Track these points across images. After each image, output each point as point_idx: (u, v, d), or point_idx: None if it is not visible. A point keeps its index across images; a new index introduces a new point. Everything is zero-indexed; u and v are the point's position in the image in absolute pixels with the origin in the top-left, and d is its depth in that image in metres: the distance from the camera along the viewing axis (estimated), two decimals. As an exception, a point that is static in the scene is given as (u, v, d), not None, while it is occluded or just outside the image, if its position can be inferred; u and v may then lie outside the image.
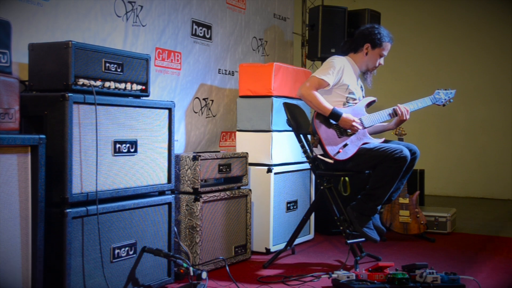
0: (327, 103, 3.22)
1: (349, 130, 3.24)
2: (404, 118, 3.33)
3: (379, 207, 3.21)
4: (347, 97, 3.36)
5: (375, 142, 3.27)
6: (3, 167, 2.00)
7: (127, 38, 3.44)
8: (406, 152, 3.11)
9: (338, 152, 3.17)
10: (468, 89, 6.84)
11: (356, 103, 3.38)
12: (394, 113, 3.35)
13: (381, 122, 3.39)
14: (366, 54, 3.42)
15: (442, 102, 3.46)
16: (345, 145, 3.20)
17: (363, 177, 3.40)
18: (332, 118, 3.22)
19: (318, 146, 3.23)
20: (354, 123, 3.20)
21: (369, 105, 3.40)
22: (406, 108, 3.34)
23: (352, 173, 3.29)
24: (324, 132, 3.20)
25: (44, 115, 2.31)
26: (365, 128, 3.28)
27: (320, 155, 3.27)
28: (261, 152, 3.71)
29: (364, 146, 3.23)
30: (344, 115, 3.20)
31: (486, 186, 6.91)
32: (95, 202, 2.39)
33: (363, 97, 3.51)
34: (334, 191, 3.37)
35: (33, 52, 2.48)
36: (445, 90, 3.48)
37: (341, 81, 3.33)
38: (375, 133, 3.49)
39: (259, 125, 3.75)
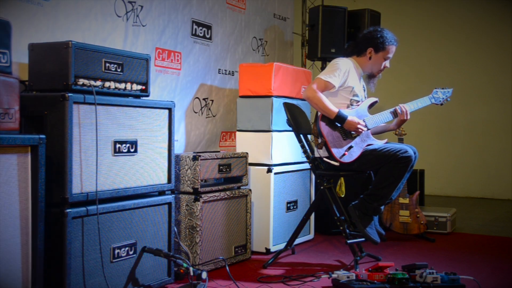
0: (333, 106, 3.22)
1: (353, 132, 3.24)
2: (405, 117, 3.34)
3: (382, 207, 3.21)
4: (351, 99, 3.36)
5: (379, 143, 3.28)
6: (3, 167, 2.00)
7: (127, 38, 3.44)
8: (411, 152, 3.12)
9: (344, 154, 3.17)
10: (468, 89, 6.84)
11: (359, 104, 3.38)
12: (395, 113, 3.36)
13: (383, 123, 3.39)
14: (370, 58, 3.41)
15: (440, 101, 3.47)
16: (350, 147, 3.21)
17: (362, 178, 3.41)
18: (337, 121, 3.21)
19: (323, 148, 3.23)
20: (359, 126, 3.20)
21: (371, 106, 3.40)
22: (406, 108, 3.35)
23: (352, 173, 3.29)
24: (330, 134, 3.20)
25: (44, 115, 2.31)
26: (368, 129, 3.29)
27: (325, 157, 3.26)
28: (261, 152, 3.71)
29: (368, 147, 3.24)
30: (349, 118, 3.20)
31: (486, 186, 6.91)
32: (95, 202, 2.39)
33: (365, 97, 3.51)
34: (334, 191, 3.37)
35: (33, 52, 2.48)
36: (443, 89, 3.48)
37: (346, 83, 3.33)
38: (376, 134, 3.49)
39: (259, 125, 3.75)
